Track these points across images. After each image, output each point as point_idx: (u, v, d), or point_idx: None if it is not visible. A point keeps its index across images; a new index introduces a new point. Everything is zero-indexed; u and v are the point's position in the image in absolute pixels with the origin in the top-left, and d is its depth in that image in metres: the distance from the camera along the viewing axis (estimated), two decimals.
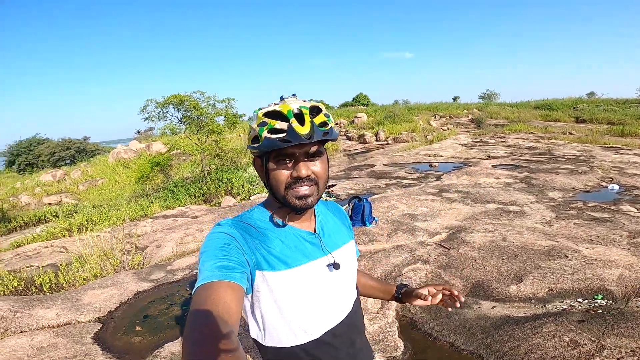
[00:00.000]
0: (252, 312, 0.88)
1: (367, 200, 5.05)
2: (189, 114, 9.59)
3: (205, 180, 10.01)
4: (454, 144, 12.78)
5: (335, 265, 0.91)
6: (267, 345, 0.88)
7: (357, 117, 19.68)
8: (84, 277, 4.66)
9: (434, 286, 1.07)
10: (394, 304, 2.94)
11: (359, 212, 4.98)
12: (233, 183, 9.58)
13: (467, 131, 16.78)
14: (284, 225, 0.89)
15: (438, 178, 7.89)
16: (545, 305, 2.69)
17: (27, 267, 5.40)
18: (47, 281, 4.41)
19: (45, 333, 3.03)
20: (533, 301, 2.78)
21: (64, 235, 7.70)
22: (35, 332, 3.06)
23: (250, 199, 8.69)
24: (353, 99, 34.65)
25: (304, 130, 0.78)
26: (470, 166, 8.78)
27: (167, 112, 9.49)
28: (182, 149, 10.63)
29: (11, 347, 2.76)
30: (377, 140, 15.88)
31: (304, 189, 0.84)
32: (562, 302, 2.70)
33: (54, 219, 9.63)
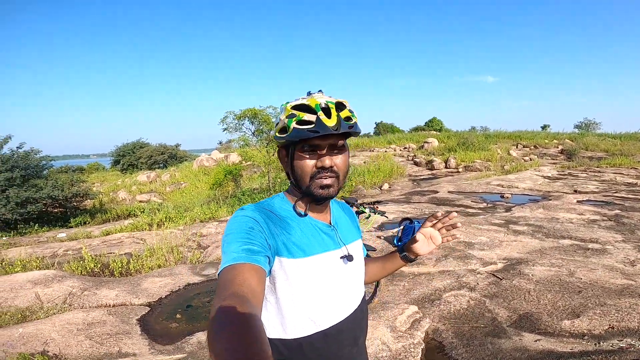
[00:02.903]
0: (265, 299, 0.87)
1: (418, 222, 4.84)
2: (260, 127, 10.26)
3: (270, 191, 10.52)
4: (534, 175, 11.62)
5: (349, 257, 0.93)
6: (270, 337, 0.87)
7: (428, 142, 19.03)
8: (150, 266, 5.17)
9: (429, 221, 1.03)
10: (425, 325, 2.76)
11: (409, 234, 4.78)
12: None
13: (554, 163, 15.15)
14: (304, 215, 0.92)
15: (508, 209, 7.23)
16: (599, 343, 2.39)
17: (108, 253, 6.17)
18: (119, 266, 4.99)
19: (100, 311, 3.42)
20: (586, 337, 2.48)
21: (145, 229, 8.67)
22: (93, 309, 3.46)
23: None
24: (425, 123, 33.55)
25: (330, 122, 0.82)
26: (550, 200, 7.89)
27: (242, 124, 10.24)
28: (253, 160, 11.35)
29: (66, 321, 3.14)
30: (446, 168, 15.13)
31: (328, 180, 0.86)
32: (622, 340, 2.36)
33: (140, 214, 10.90)
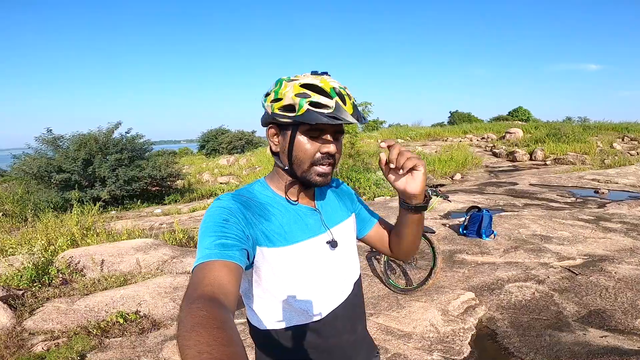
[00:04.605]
0: (251, 291, 0.83)
1: (487, 211, 4.61)
2: None
3: (337, 176, 10.69)
4: None
5: (333, 243, 0.87)
6: (261, 328, 0.84)
7: (510, 133, 17.43)
8: None
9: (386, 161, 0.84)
10: (480, 312, 2.70)
11: (475, 223, 4.61)
12: (361, 183, 10.00)
13: None
14: (296, 203, 0.86)
15: (601, 206, 6.44)
16: None
17: (193, 227, 6.97)
18: None
19: (184, 277, 3.88)
20: None
21: None
22: (179, 275, 3.94)
23: (374, 200, 8.90)
24: (509, 112, 30.28)
25: (349, 110, 0.76)
26: None
27: None
28: None
29: (157, 284, 3.60)
30: (531, 160, 13.79)
31: (327, 168, 0.81)
32: None
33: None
